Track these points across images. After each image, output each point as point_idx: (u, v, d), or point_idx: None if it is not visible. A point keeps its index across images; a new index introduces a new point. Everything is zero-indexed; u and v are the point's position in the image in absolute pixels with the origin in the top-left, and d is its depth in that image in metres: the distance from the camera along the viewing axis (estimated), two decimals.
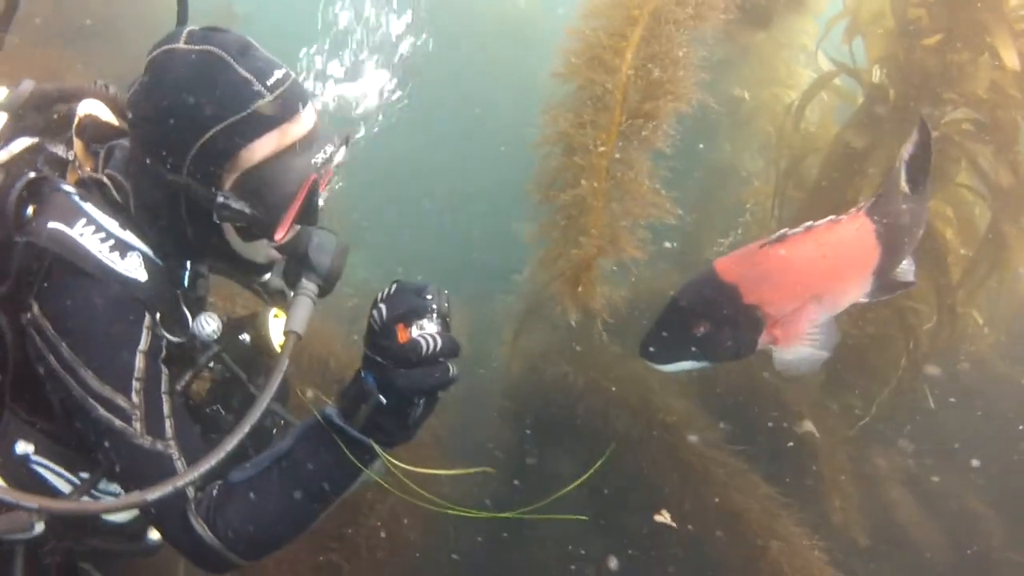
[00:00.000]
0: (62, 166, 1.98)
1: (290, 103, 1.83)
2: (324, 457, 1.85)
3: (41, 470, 2.04)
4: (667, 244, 4.89)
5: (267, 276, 2.42)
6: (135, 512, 2.22)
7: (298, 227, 2.07)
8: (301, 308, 2.04)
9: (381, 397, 1.76)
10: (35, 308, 1.79)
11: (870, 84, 4.26)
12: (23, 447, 2.01)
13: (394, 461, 1.83)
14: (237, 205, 1.81)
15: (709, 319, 2.15)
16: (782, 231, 2.16)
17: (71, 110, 2.04)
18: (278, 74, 1.82)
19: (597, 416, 4.48)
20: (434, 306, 1.78)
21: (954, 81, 3.96)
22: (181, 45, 1.81)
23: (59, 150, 2.00)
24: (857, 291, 2.30)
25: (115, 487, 2.12)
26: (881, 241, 2.23)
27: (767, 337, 2.21)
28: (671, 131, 3.37)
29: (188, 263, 2.17)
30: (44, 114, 2.06)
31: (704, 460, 4.14)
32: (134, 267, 1.87)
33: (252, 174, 1.82)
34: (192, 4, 2.13)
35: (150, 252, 1.93)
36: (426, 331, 1.74)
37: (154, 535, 2.32)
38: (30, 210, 1.84)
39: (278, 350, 2.41)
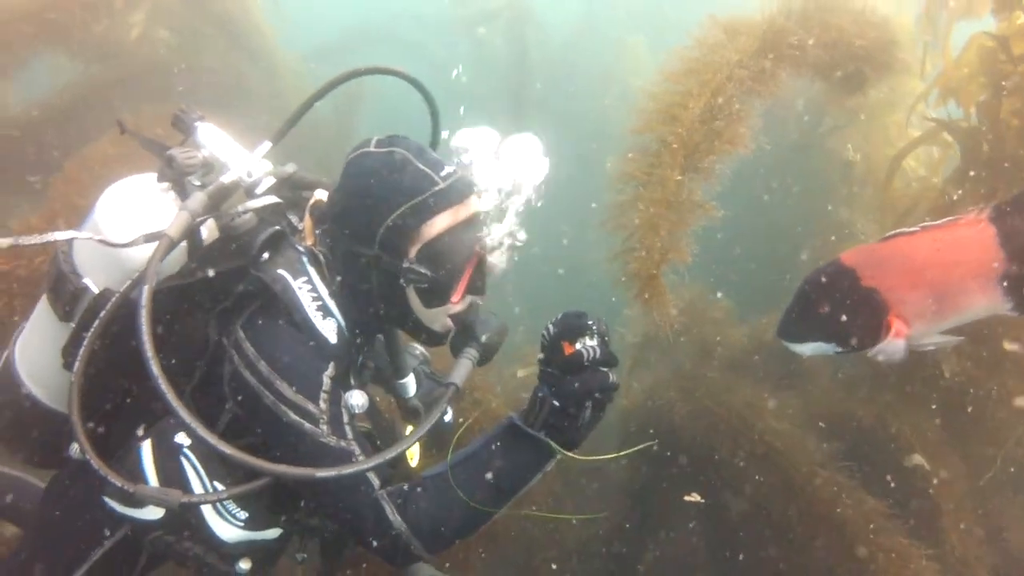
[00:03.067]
0: (292, 232, 2.42)
1: (459, 190, 2.28)
2: (507, 456, 2.17)
3: (185, 463, 2.30)
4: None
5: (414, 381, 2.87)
6: (252, 532, 2.41)
7: (470, 299, 2.44)
8: (462, 367, 2.39)
9: (555, 402, 2.08)
10: (239, 332, 2.21)
11: (965, 138, 4.45)
12: (182, 438, 2.30)
13: (565, 452, 2.14)
14: (419, 268, 2.23)
15: (831, 300, 2.39)
16: (900, 230, 2.38)
17: (310, 194, 2.52)
18: (448, 168, 2.30)
19: (704, 443, 4.70)
20: (593, 326, 2.11)
21: None
22: (372, 149, 2.32)
23: (294, 219, 2.46)
24: (982, 297, 2.39)
25: (241, 513, 2.37)
26: (1005, 249, 2.32)
27: (889, 328, 2.39)
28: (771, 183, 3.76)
29: (364, 351, 2.57)
30: (293, 191, 2.53)
31: (810, 478, 4.29)
32: (329, 330, 2.26)
33: (431, 245, 2.24)
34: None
35: (344, 325, 2.31)
36: (587, 345, 2.07)
37: (244, 565, 2.46)
38: (267, 254, 2.28)
39: (409, 463, 2.88)
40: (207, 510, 2.32)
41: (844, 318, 2.40)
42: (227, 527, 2.35)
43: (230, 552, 2.42)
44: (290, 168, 2.56)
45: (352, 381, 2.46)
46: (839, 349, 2.51)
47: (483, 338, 2.45)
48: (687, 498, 4.14)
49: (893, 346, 2.42)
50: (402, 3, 12.91)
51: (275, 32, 8.63)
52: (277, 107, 7.09)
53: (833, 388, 5.11)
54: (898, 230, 2.42)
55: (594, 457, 2.37)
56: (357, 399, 2.32)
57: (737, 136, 3.70)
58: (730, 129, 3.70)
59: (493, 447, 2.20)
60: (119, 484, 2.08)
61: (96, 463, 2.06)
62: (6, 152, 6.07)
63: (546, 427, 2.11)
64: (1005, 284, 2.35)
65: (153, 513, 2.31)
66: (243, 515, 2.36)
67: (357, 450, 2.16)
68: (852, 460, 4.39)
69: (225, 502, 2.33)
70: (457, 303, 2.37)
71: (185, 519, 2.33)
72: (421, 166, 2.26)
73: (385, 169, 2.26)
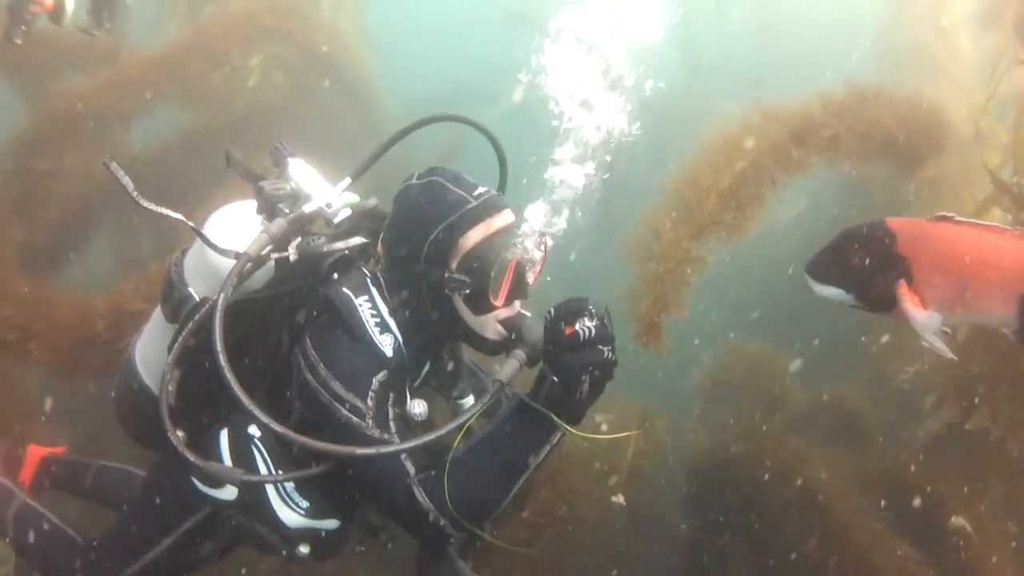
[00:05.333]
0: (368, 259, 2.74)
1: (490, 206, 2.52)
2: (515, 432, 2.34)
3: (256, 452, 2.71)
4: None
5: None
6: (312, 520, 2.76)
7: (518, 306, 2.61)
8: (509, 366, 2.49)
9: (554, 378, 2.23)
10: (307, 340, 2.51)
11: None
12: (254, 430, 2.72)
13: (566, 426, 2.29)
14: (460, 276, 2.45)
15: (865, 253, 2.47)
16: (950, 214, 2.44)
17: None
18: (481, 189, 2.55)
19: (756, 491, 4.92)
20: (592, 310, 2.27)
21: None
22: (415, 181, 2.61)
23: (372, 251, 2.76)
24: (999, 307, 2.42)
25: (303, 502, 2.73)
26: None
27: (905, 295, 2.44)
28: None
29: (428, 362, 2.79)
30: (375, 222, 2.80)
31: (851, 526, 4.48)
32: (386, 344, 2.50)
33: (469, 255, 2.47)
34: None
35: (400, 340, 2.55)
36: (584, 325, 2.22)
37: (303, 549, 2.82)
38: (335, 275, 2.61)
39: None
40: (272, 496, 2.71)
41: (869, 274, 2.48)
42: (290, 513, 2.72)
43: (292, 536, 2.78)
44: (372, 201, 2.82)
45: (408, 393, 2.66)
46: (855, 302, 2.59)
47: (531, 340, 2.54)
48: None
49: (926, 318, 2.45)
50: (510, 64, 13.41)
51: (382, 82, 9.18)
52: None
53: (887, 448, 5.26)
54: (947, 214, 2.47)
55: (593, 435, 2.55)
56: (417, 408, 2.60)
57: (744, 219, 4.00)
58: (744, 208, 4.01)
59: (503, 426, 2.36)
60: (192, 459, 2.39)
61: (175, 440, 2.39)
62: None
63: (548, 402, 2.26)
64: (1020, 307, 2.40)
65: (229, 494, 2.74)
66: (304, 504, 2.72)
67: (397, 441, 2.37)
68: (897, 516, 4.54)
69: (288, 491, 2.71)
70: (502, 307, 2.54)
71: (254, 501, 2.73)
72: (455, 189, 2.52)
73: (424, 196, 2.54)
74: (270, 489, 2.72)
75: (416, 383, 2.75)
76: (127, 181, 2.51)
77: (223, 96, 7.65)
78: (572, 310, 2.26)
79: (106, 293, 4.85)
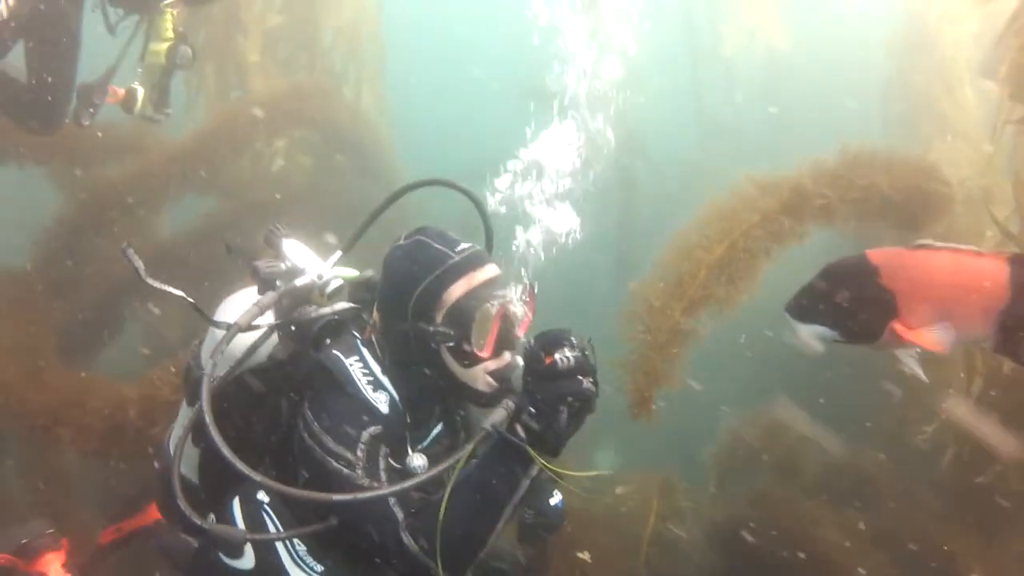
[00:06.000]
0: (363, 327, 2.77)
1: (473, 260, 2.55)
2: (493, 466, 2.29)
3: (266, 517, 2.75)
4: None
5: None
6: None
7: (508, 357, 2.58)
8: (496, 413, 2.39)
9: (531, 408, 2.19)
10: (305, 404, 2.56)
11: None
12: (262, 496, 2.77)
13: (541, 459, 2.23)
14: (444, 329, 2.47)
15: (848, 290, 2.51)
16: (927, 241, 2.51)
17: None
18: (464, 245, 2.58)
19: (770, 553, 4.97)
20: (573, 340, 2.23)
21: None
22: (401, 242, 2.64)
23: (366, 316, 2.81)
24: (980, 327, 2.51)
25: (318, 566, 2.73)
26: (1011, 290, 2.45)
27: (893, 331, 2.49)
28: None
29: (439, 425, 2.80)
30: (371, 292, 2.83)
31: None
32: (380, 400, 2.53)
33: (453, 308, 2.48)
34: None
35: (396, 397, 2.58)
36: (564, 355, 2.18)
37: None
38: (328, 341, 2.68)
39: None
40: (287, 560, 2.74)
41: (853, 310, 2.50)
42: None
43: None
44: (368, 273, 2.88)
45: (410, 448, 2.66)
46: (839, 338, 2.60)
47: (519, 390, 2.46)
48: None
49: (940, 335, 2.51)
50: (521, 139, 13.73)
51: (404, 159, 9.33)
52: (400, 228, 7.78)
53: (899, 508, 5.27)
54: (926, 241, 2.52)
55: (572, 472, 2.43)
56: (417, 461, 2.58)
57: (736, 292, 4.12)
58: (736, 281, 4.12)
59: (483, 461, 2.33)
60: (199, 522, 2.46)
61: (183, 505, 2.46)
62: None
63: (525, 433, 2.22)
64: (1000, 324, 2.48)
65: (248, 563, 2.77)
66: (319, 567, 2.74)
67: (391, 499, 2.35)
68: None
69: (301, 555, 2.74)
70: (490, 359, 2.54)
71: (270, 568, 2.75)
72: (438, 246, 2.56)
73: (409, 255, 2.59)
74: (283, 554, 2.76)
75: (426, 444, 2.77)
76: (139, 263, 2.63)
77: (249, 181, 7.93)
78: (552, 340, 2.23)
79: (137, 380, 5.03)
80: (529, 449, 2.22)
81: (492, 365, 2.55)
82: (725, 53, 11.85)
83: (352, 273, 2.92)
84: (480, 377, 2.56)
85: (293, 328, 2.75)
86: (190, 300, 2.69)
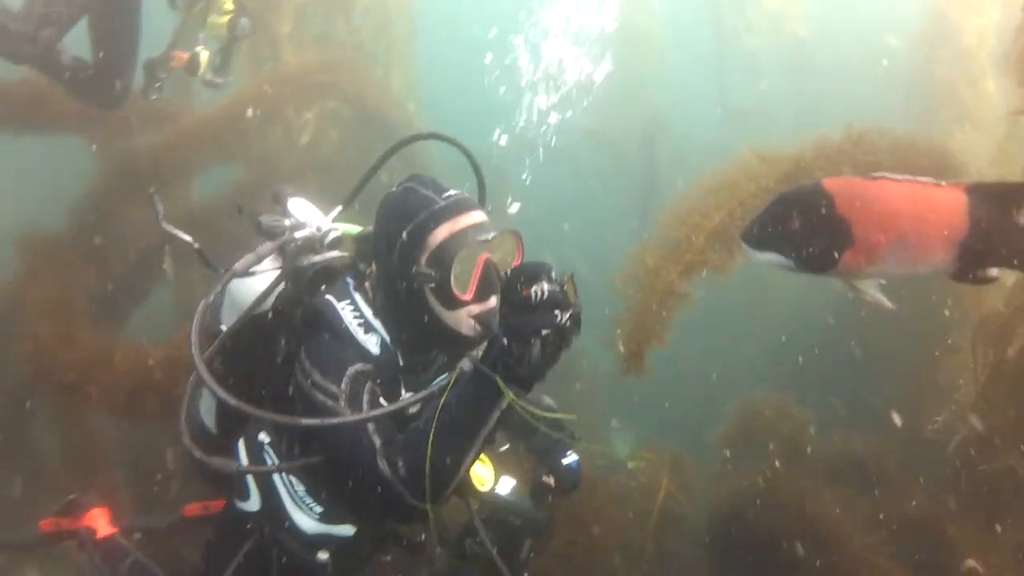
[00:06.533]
0: (360, 274, 2.82)
1: (459, 204, 2.60)
2: (466, 393, 2.30)
3: (267, 457, 2.93)
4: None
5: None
6: (327, 525, 2.92)
7: (494, 301, 2.61)
8: (482, 350, 2.44)
9: (504, 339, 2.18)
10: (302, 347, 2.66)
11: None
12: (263, 437, 2.95)
13: (508, 391, 2.20)
14: (425, 270, 2.52)
15: (802, 217, 2.44)
16: (884, 174, 2.47)
17: None
18: (452, 191, 2.63)
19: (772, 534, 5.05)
20: (552, 275, 2.21)
21: None
22: (392, 190, 2.72)
23: (363, 265, 2.84)
24: (938, 256, 2.45)
25: (317, 506, 2.89)
26: (970, 220, 2.40)
27: (848, 260, 2.44)
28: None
29: (442, 377, 2.73)
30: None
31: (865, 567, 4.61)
32: (371, 342, 2.64)
33: (436, 251, 2.53)
34: None
35: (387, 339, 2.68)
36: (541, 287, 2.16)
37: (322, 556, 2.95)
38: (324, 287, 2.80)
39: (476, 486, 2.98)
40: (288, 501, 2.90)
41: (807, 238, 2.45)
42: (306, 519, 2.90)
43: (310, 542, 2.92)
44: (371, 228, 2.90)
45: (405, 391, 2.73)
46: (792, 267, 2.54)
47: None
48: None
49: (862, 278, 2.50)
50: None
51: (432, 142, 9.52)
52: None
53: (902, 491, 5.36)
54: (883, 174, 2.47)
55: (535, 409, 2.36)
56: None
57: (731, 258, 4.22)
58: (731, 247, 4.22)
59: (457, 391, 2.34)
60: (197, 455, 2.66)
61: (186, 441, 2.71)
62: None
63: (497, 365, 2.20)
64: (959, 250, 2.42)
65: (254, 504, 2.97)
66: (319, 508, 2.89)
67: (371, 426, 2.41)
68: (912, 558, 4.64)
69: (300, 495, 2.89)
70: (473, 302, 2.58)
71: (274, 509, 2.93)
72: (426, 192, 2.63)
73: (398, 201, 2.66)
74: (284, 495, 2.91)
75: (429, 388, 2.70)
76: (160, 207, 2.87)
77: (277, 152, 8.06)
78: (529, 273, 2.22)
79: (164, 343, 5.19)
80: (497, 379, 2.20)
81: (476, 309, 2.60)
82: (749, 40, 11.87)
83: (354, 228, 3.03)
84: (464, 320, 2.61)
85: (290, 275, 2.88)
86: (196, 246, 2.90)
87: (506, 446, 3.15)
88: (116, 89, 5.65)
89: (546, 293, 2.16)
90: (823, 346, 7.48)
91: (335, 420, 2.37)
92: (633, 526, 5.39)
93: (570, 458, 3.29)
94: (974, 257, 2.45)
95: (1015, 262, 2.49)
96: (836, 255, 2.45)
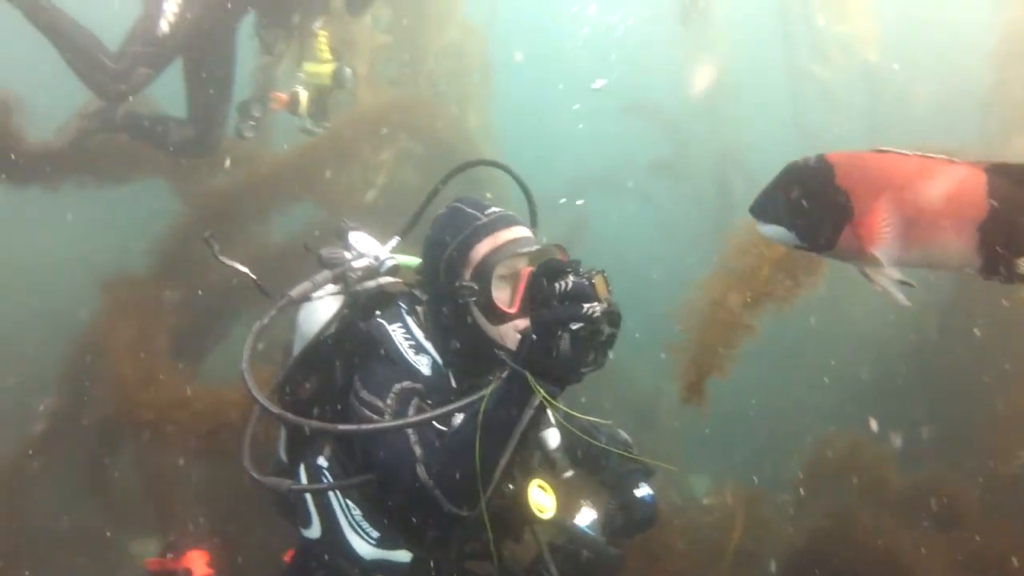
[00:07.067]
0: (415, 301, 2.87)
1: (501, 220, 2.68)
2: (499, 394, 2.25)
3: (324, 478, 2.90)
4: None
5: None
6: (384, 551, 2.86)
7: None
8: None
9: (533, 335, 2.13)
10: (356, 371, 2.74)
11: None
12: (322, 460, 2.92)
13: (538, 388, 2.11)
14: (469, 284, 2.58)
15: (802, 186, 2.30)
16: (894, 149, 2.29)
17: None
18: (494, 209, 2.72)
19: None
20: (580, 268, 2.16)
21: None
22: (440, 212, 2.82)
23: (418, 294, 2.89)
24: (954, 239, 2.22)
25: (373, 531, 2.85)
26: (990, 200, 2.16)
27: (849, 237, 2.26)
28: None
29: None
30: None
31: None
32: (422, 363, 2.67)
33: (479, 265, 2.60)
34: None
35: (439, 360, 2.71)
36: (565, 280, 2.10)
37: None
38: (378, 312, 2.87)
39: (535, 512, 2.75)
40: (346, 527, 2.87)
41: (808, 211, 2.30)
42: (363, 544, 2.86)
43: (366, 569, 2.88)
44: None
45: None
46: (798, 242, 2.40)
47: None
48: None
49: (871, 263, 2.29)
50: (626, 152, 13.83)
51: (505, 177, 9.56)
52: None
53: (987, 532, 5.15)
54: (891, 148, 2.29)
55: (569, 410, 2.36)
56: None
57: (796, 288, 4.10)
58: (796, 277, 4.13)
59: (492, 394, 2.28)
60: (253, 474, 2.76)
61: (247, 463, 2.81)
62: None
63: (526, 361, 2.15)
64: (979, 235, 2.18)
65: (316, 532, 2.95)
66: (375, 533, 2.86)
67: (412, 435, 2.41)
68: None
69: (357, 519, 2.86)
70: (517, 315, 2.60)
71: (333, 535, 2.91)
72: (469, 210, 2.72)
73: (443, 221, 2.76)
74: (342, 520, 2.88)
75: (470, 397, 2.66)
76: (216, 245, 2.96)
77: (354, 191, 8.15)
78: (555, 269, 2.16)
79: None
80: (528, 375, 2.13)
81: (522, 323, 2.60)
82: (821, 66, 11.72)
83: (413, 260, 3.10)
84: (510, 335, 2.60)
85: (348, 301, 2.98)
86: (252, 276, 2.99)
87: (570, 472, 3.10)
88: (212, 137, 5.79)
89: (571, 285, 2.10)
90: (902, 376, 7.37)
91: (370, 426, 2.41)
92: (707, 563, 5.32)
93: (643, 490, 3.21)
94: (999, 244, 2.18)
95: None
96: (835, 230, 2.28)
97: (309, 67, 6.03)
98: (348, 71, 5.99)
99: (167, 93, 6.11)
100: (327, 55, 6.03)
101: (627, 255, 13.48)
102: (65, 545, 6.77)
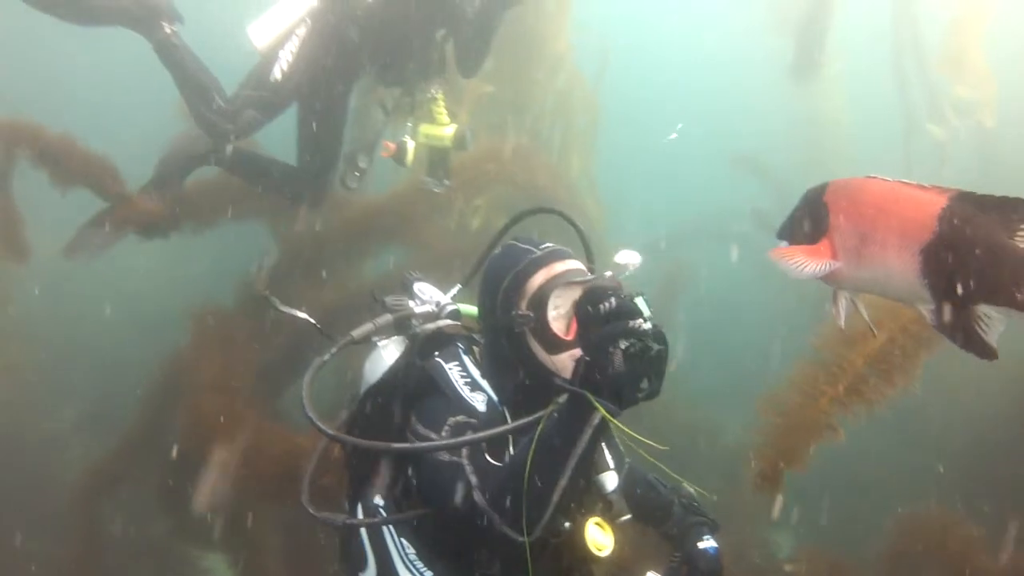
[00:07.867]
0: (472, 343, 3.01)
1: (555, 254, 2.73)
2: (558, 417, 2.29)
3: (380, 516, 2.88)
4: None
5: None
6: None
7: None
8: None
9: (586, 356, 2.20)
10: (413, 407, 2.77)
11: None
12: (378, 499, 2.90)
13: (598, 404, 2.14)
14: (524, 313, 2.64)
15: (804, 202, 2.40)
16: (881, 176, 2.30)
17: None
18: (546, 245, 2.78)
19: None
20: (623, 292, 2.25)
21: None
22: (497, 250, 2.92)
23: (477, 337, 2.99)
24: (896, 259, 2.17)
25: (428, 572, 2.82)
26: (940, 225, 2.10)
27: (826, 247, 2.29)
28: None
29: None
30: None
31: None
32: (478, 401, 2.68)
33: (534, 295, 2.65)
34: None
35: (495, 398, 2.73)
36: (609, 301, 2.20)
37: None
38: (436, 353, 2.90)
39: (592, 551, 2.78)
40: (399, 566, 2.82)
41: (801, 225, 2.39)
42: None
43: None
44: None
45: (511, 449, 2.69)
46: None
47: None
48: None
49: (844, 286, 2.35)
50: (731, 199, 13.59)
51: (605, 225, 9.63)
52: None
53: None
54: (875, 175, 2.31)
55: (636, 434, 2.37)
56: None
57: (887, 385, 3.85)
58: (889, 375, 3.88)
59: (550, 417, 2.34)
60: (311, 511, 2.87)
61: (305, 501, 2.93)
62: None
63: (583, 382, 2.17)
64: (921, 258, 2.11)
65: (371, 572, 2.92)
66: (429, 573, 2.79)
67: (467, 464, 2.41)
68: None
69: (411, 559, 2.82)
70: (573, 342, 2.57)
71: (387, 574, 2.89)
72: (523, 246, 2.79)
73: (498, 259, 2.83)
74: (396, 559, 2.84)
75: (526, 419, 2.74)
76: (275, 299, 3.21)
77: (448, 236, 8.13)
78: (597, 291, 2.25)
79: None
80: (589, 395, 2.15)
81: (578, 352, 2.49)
82: (937, 127, 11.38)
83: (472, 308, 3.16)
84: (567, 365, 2.56)
85: (408, 346, 3.04)
86: (312, 320, 3.14)
87: (627, 516, 2.97)
88: (319, 185, 5.89)
89: (614, 304, 2.18)
90: (997, 454, 7.04)
91: (423, 444, 2.47)
92: None
93: (707, 543, 3.11)
94: (941, 274, 2.10)
95: (998, 296, 2.06)
96: (816, 232, 2.34)
97: (427, 129, 6.15)
98: (469, 134, 6.13)
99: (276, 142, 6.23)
100: (444, 118, 6.13)
101: (726, 303, 13.20)
102: (137, 557, 6.96)
